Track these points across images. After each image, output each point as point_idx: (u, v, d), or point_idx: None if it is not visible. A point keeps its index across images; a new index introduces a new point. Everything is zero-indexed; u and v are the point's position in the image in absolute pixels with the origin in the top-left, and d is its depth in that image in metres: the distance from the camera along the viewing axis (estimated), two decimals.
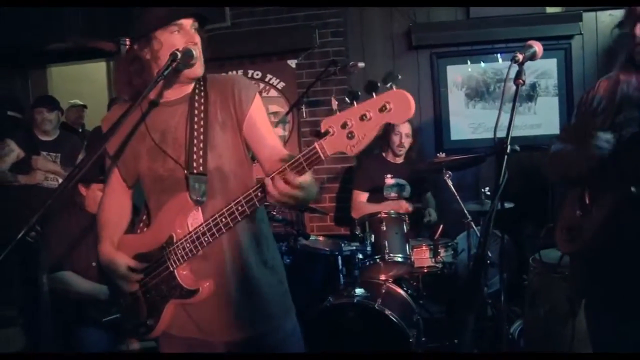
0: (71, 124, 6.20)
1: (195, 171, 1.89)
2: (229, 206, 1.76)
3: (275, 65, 5.16)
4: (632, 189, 1.91)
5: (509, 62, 2.02)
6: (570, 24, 4.89)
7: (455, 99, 5.16)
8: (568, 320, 3.07)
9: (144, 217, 2.10)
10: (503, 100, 1.95)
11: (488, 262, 3.66)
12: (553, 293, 3.21)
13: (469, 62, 5.14)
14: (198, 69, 1.91)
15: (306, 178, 1.65)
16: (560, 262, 3.12)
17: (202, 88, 1.98)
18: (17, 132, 4.67)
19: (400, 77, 1.52)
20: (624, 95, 2.05)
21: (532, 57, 2.02)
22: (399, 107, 1.46)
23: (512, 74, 2.00)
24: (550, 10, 4.95)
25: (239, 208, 1.74)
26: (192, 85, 1.97)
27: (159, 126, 1.96)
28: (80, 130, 6.23)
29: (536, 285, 3.37)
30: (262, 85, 5.14)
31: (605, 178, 2.03)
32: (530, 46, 2.01)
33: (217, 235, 1.81)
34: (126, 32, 5.66)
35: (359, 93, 1.56)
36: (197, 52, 1.88)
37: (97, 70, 6.82)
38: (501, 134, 1.87)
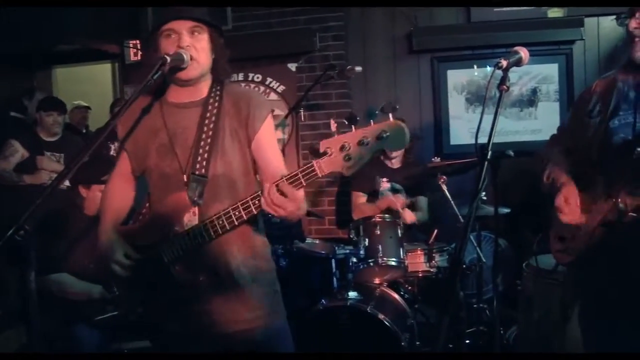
0: (75, 125, 6.23)
1: (197, 172, 1.97)
2: (227, 210, 1.83)
3: (275, 69, 5.18)
4: (620, 205, 1.91)
5: (521, 66, 2.03)
6: (572, 29, 4.90)
7: (456, 104, 5.17)
8: (561, 326, 3.07)
9: (144, 211, 2.18)
10: (499, 105, 1.93)
11: (464, 265, 3.66)
12: (547, 298, 3.20)
13: (470, 67, 5.14)
14: (191, 71, 1.95)
15: (300, 193, 1.73)
16: (555, 269, 3.13)
17: (218, 93, 2.04)
18: (21, 133, 4.73)
19: (398, 107, 1.66)
20: (620, 94, 2.04)
21: (518, 63, 2.00)
22: (395, 136, 1.56)
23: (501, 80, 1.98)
24: (551, 14, 4.95)
25: (236, 213, 1.82)
26: (208, 89, 2.05)
27: (172, 126, 2.03)
28: (84, 131, 6.27)
29: (530, 291, 3.37)
30: (262, 88, 5.18)
31: (595, 187, 2.03)
32: (516, 52, 2.00)
33: (214, 237, 1.88)
34: (131, 34, 5.68)
35: (358, 118, 1.66)
36: (189, 55, 1.92)
37: (102, 72, 6.85)
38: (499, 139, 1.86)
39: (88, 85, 7.20)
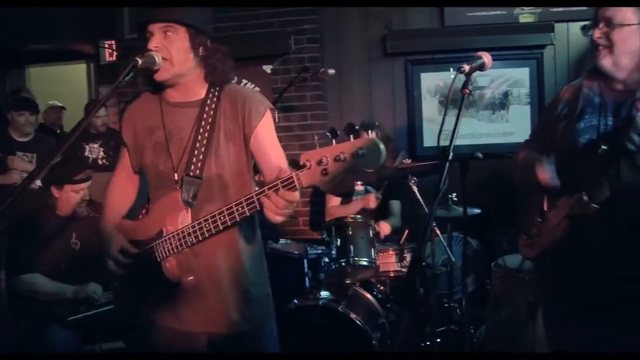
0: (50, 125, 6.20)
1: (191, 174, 2.00)
2: (213, 214, 1.86)
3: (250, 70, 5.18)
4: (585, 197, 1.97)
5: (484, 70, 2.10)
6: (542, 34, 4.99)
7: (429, 106, 5.23)
8: (528, 324, 3.14)
9: (147, 205, 2.20)
10: (460, 109, 1.97)
11: (424, 264, 3.72)
12: (514, 297, 3.27)
13: (443, 70, 5.19)
14: (163, 72, 1.97)
15: (297, 195, 1.73)
16: (521, 267, 3.21)
17: (216, 94, 2.07)
18: None
19: (377, 124, 1.63)
20: (585, 101, 2.10)
21: (481, 67, 2.06)
22: (370, 155, 1.57)
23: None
24: (523, 20, 5.05)
25: (221, 218, 1.84)
26: (206, 89, 2.07)
27: (169, 125, 2.07)
28: (58, 131, 6.23)
29: (498, 290, 3.44)
30: None
31: (562, 184, 2.09)
32: (479, 57, 2.06)
33: (201, 239, 1.91)
34: (106, 35, 5.63)
35: (338, 132, 1.69)
36: (160, 56, 1.93)
37: (77, 72, 6.81)
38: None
39: (63, 85, 7.14)
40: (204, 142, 2.01)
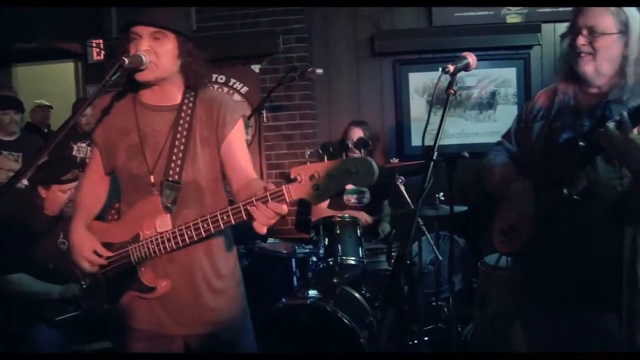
0: (37, 124, 6.18)
1: (170, 179, 2.01)
2: (195, 221, 1.85)
3: (239, 70, 5.21)
4: (564, 190, 2.00)
5: (469, 70, 2.12)
6: (529, 34, 5.04)
7: (417, 106, 5.26)
8: (514, 321, 3.17)
9: (117, 206, 2.20)
10: (445, 109, 2.00)
11: (409, 262, 3.74)
12: (499, 294, 3.30)
13: (431, 70, 5.20)
14: (147, 73, 1.97)
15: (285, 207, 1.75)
16: (497, 264, 3.23)
17: (191, 100, 2.08)
18: None
19: (370, 143, 1.64)
20: (560, 105, 2.14)
21: (465, 68, 2.08)
22: (363, 173, 1.58)
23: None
24: (510, 20, 5.09)
25: (205, 226, 1.84)
26: (182, 94, 2.08)
27: (143, 128, 2.07)
28: (46, 130, 6.21)
29: (484, 288, 3.47)
30: (225, 89, 5.19)
31: (539, 180, 2.12)
32: (464, 57, 2.08)
33: (181, 245, 1.91)
34: (94, 34, 5.60)
35: (331, 149, 1.69)
36: (147, 58, 1.94)
37: (65, 71, 6.77)
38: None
39: (50, 84, 7.12)
40: (181, 147, 2.02)
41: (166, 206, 2.00)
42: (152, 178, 2.03)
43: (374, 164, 1.59)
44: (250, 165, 2.09)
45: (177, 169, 2.01)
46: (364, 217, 4.14)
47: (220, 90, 5.14)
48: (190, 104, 2.07)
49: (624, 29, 1.99)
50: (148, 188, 2.03)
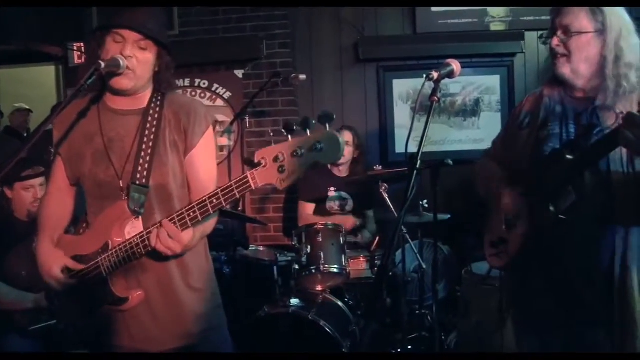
0: (16, 128, 6.10)
1: (138, 182, 1.93)
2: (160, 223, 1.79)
3: (222, 75, 5.17)
4: (551, 208, 1.97)
5: (453, 78, 2.08)
6: (513, 42, 5.07)
7: (401, 113, 5.24)
8: (498, 330, 3.15)
9: (86, 217, 2.10)
10: (429, 116, 1.96)
11: (390, 273, 3.74)
12: (484, 304, 3.29)
13: (415, 77, 5.19)
14: (125, 80, 1.91)
15: (186, 235, 1.77)
16: (489, 274, 3.22)
17: (158, 104, 2.02)
18: None
19: (335, 117, 1.57)
20: (547, 109, 2.11)
21: (450, 75, 2.05)
22: (329, 148, 1.50)
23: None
24: (494, 28, 5.11)
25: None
26: (148, 99, 2.02)
27: (109, 132, 1.99)
28: (25, 134, 6.12)
29: (468, 296, 3.45)
30: (208, 94, 5.15)
31: (528, 191, 2.10)
32: (448, 64, 2.05)
33: (150, 249, 1.83)
34: (74, 37, 5.53)
35: (295, 127, 1.60)
36: (125, 62, 1.88)
37: (45, 75, 6.68)
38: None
39: (31, 88, 7.02)
40: (149, 150, 1.96)
41: (134, 210, 1.92)
42: (121, 183, 1.95)
43: (340, 138, 1.51)
44: (211, 179, 2.04)
45: (145, 173, 1.94)
46: (351, 221, 4.10)
47: (203, 95, 5.10)
48: (157, 108, 2.01)
49: (601, 28, 1.96)
50: (115, 194, 1.95)
